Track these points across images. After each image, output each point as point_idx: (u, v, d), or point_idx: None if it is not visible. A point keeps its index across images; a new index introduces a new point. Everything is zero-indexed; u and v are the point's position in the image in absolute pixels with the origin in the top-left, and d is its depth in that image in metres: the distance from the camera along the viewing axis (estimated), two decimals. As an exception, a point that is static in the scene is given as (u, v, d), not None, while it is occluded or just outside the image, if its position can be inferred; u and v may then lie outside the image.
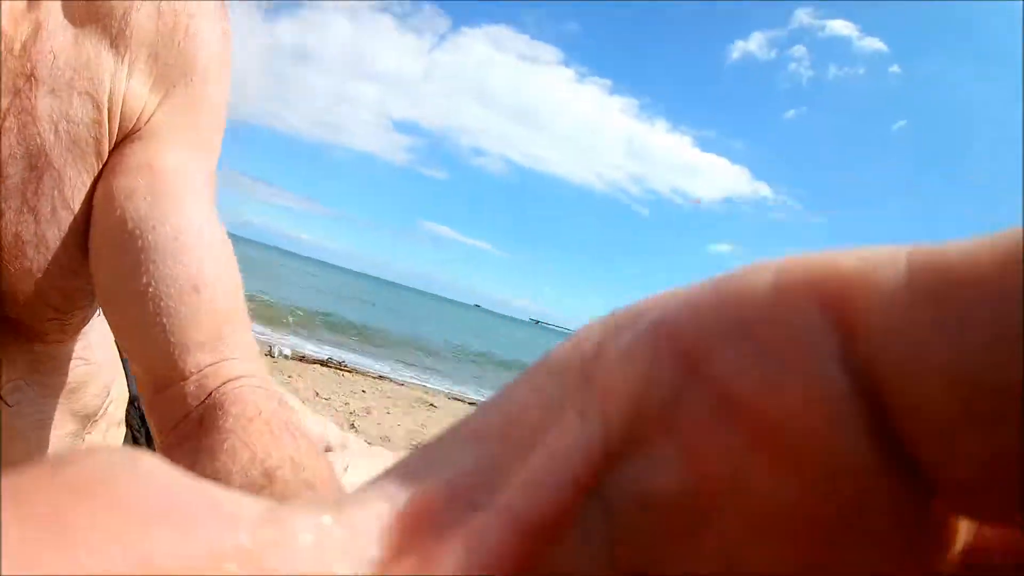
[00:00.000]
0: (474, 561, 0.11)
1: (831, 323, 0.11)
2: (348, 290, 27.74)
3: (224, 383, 0.58)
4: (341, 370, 4.33)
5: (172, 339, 0.58)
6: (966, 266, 0.10)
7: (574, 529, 0.12)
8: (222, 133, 0.67)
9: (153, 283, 0.58)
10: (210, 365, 0.58)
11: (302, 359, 4.29)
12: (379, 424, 2.77)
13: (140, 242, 0.58)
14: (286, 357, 4.12)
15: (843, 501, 0.11)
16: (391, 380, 4.89)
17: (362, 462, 1.16)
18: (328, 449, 1.37)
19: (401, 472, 0.13)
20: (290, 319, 9.40)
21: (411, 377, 6.67)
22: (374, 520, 0.12)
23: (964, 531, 0.12)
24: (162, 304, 0.58)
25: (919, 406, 0.10)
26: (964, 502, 0.11)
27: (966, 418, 0.10)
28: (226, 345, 0.61)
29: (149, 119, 0.62)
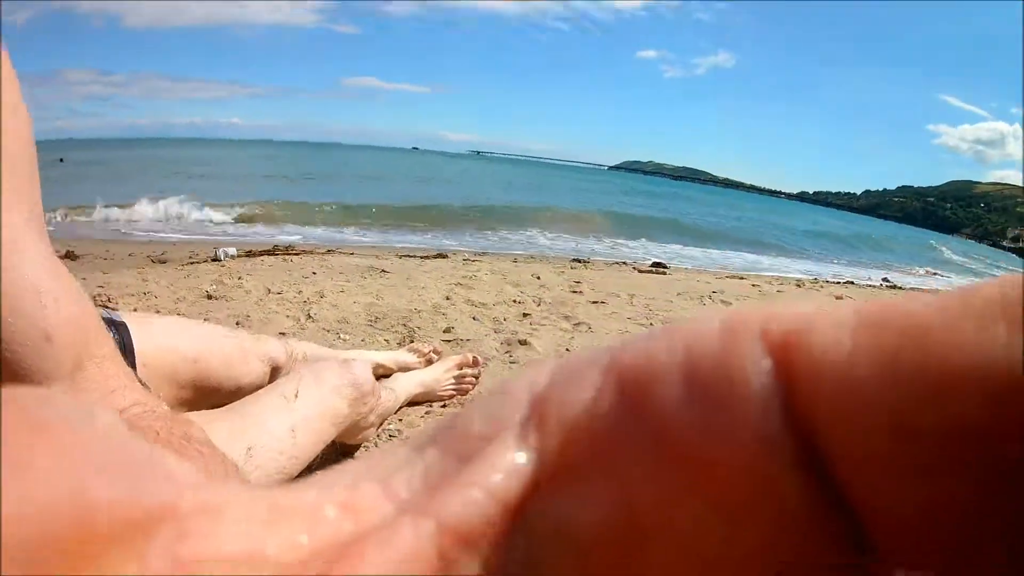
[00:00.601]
0: (392, 557, 0.11)
1: (773, 370, 0.11)
2: (287, 165, 27.00)
3: None
4: (289, 255, 4.38)
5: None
6: (910, 319, 0.10)
7: (495, 556, 0.12)
8: (34, 159, 0.65)
9: (7, 347, 0.57)
10: None
11: (249, 254, 4.33)
12: (335, 306, 2.86)
13: None
14: (232, 257, 4.14)
15: (776, 550, 0.11)
16: (339, 252, 4.94)
17: (312, 390, 1.24)
18: (276, 368, 1.44)
19: (343, 468, 0.14)
20: (233, 212, 9.28)
21: (358, 243, 6.74)
22: (307, 507, 0.13)
23: None
24: (23, 364, 0.57)
25: (858, 455, 0.10)
26: (902, 556, 0.11)
27: (904, 467, 0.10)
28: (94, 381, 0.61)
29: None
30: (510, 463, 0.13)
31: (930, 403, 0.10)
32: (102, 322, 0.67)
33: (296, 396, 1.17)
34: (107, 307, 1.82)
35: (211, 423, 1.07)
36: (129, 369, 0.68)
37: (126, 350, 1.07)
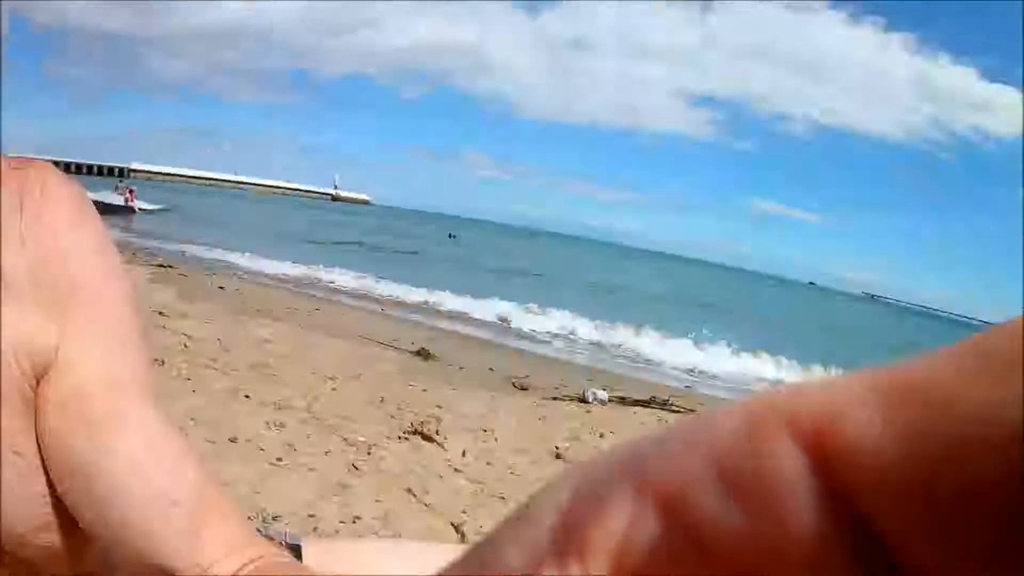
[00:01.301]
0: None
1: (806, 460, 0.11)
2: (684, 288, 27.43)
3: None
4: (665, 410, 3.90)
5: (173, 552, 0.60)
6: (931, 389, 0.10)
7: None
8: (130, 301, 0.67)
9: (139, 517, 0.59)
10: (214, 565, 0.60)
11: (622, 401, 3.95)
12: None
13: (94, 482, 0.58)
14: (602, 403, 3.80)
15: None
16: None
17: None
18: None
19: None
20: (618, 345, 9.14)
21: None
22: None
23: None
24: (146, 528, 0.58)
25: (905, 526, 0.10)
26: None
27: (940, 526, 0.10)
28: (218, 542, 0.61)
29: (58, 349, 0.59)
30: None
31: (956, 466, 0.10)
32: (219, 485, 0.67)
33: None
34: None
35: None
36: (251, 525, 0.69)
37: None
